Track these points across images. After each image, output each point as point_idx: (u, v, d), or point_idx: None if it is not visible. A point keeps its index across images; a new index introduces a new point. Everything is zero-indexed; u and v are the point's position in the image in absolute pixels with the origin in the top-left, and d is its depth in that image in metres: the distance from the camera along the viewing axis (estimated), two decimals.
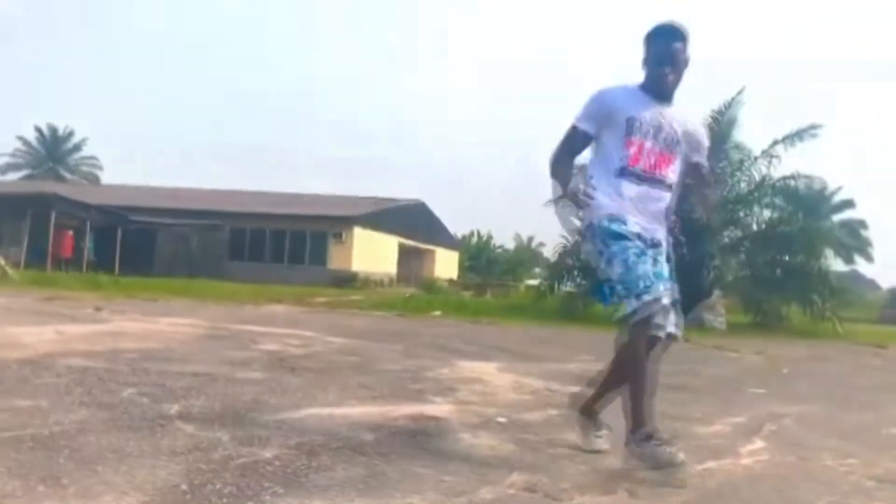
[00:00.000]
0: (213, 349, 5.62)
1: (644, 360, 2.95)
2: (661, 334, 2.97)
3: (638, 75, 3.07)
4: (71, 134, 54.56)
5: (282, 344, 6.21)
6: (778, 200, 18.87)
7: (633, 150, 2.96)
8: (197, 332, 6.92)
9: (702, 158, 3.22)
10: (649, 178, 3.00)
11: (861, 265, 51.37)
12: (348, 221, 31.27)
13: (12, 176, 50.55)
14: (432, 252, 40.97)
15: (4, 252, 20.81)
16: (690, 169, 3.21)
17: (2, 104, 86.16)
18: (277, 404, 3.60)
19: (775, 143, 14.11)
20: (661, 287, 2.95)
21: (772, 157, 14.10)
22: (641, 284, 2.88)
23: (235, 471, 2.41)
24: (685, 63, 3.00)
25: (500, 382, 4.96)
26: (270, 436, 2.91)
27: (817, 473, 3.02)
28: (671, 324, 3.02)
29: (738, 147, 14.59)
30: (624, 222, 2.96)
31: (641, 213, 3.03)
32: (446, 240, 43.34)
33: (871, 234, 49.25)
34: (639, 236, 2.99)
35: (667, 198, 3.12)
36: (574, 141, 3.08)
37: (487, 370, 5.52)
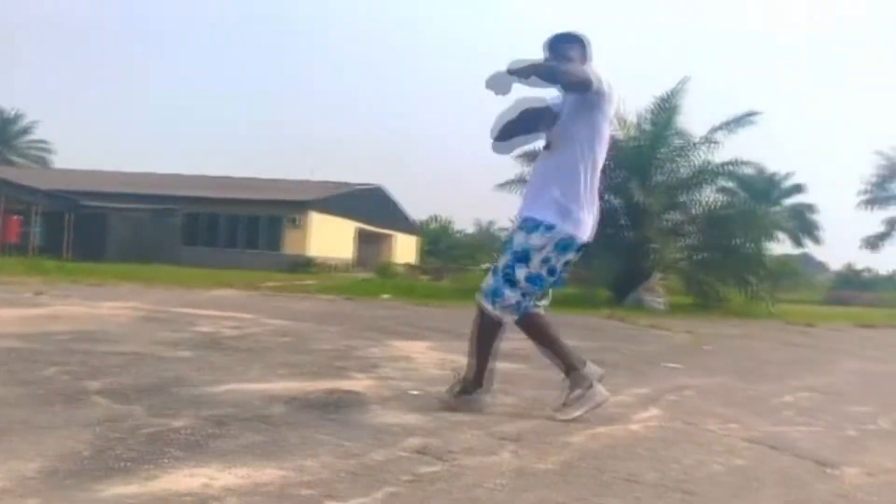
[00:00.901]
0: (148, 331, 5.72)
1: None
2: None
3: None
4: (19, 116, 53.21)
5: (218, 326, 6.33)
6: (729, 184, 19.44)
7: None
8: (136, 314, 6.99)
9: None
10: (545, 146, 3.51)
11: (812, 248, 52.91)
12: (304, 206, 31.22)
13: None
14: (390, 237, 41.08)
15: None
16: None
17: None
18: (199, 381, 3.74)
19: (714, 129, 14.55)
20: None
21: (711, 143, 14.53)
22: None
23: (141, 438, 2.57)
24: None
25: (425, 360, 5.16)
26: (184, 408, 3.07)
27: (696, 436, 3.28)
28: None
29: (679, 134, 14.99)
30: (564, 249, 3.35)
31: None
32: (405, 225, 43.46)
33: (820, 218, 50.74)
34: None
35: (545, 160, 3.50)
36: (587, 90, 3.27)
37: (417, 349, 5.71)
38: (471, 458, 2.65)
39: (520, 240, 3.29)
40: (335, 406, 3.36)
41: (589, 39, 3.44)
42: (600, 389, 3.40)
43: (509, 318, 3.35)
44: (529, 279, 3.31)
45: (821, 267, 57.79)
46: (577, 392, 3.35)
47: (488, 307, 3.34)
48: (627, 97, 15.42)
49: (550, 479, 2.46)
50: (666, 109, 14.68)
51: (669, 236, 14.69)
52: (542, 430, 3.17)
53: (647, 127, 14.87)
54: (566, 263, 3.42)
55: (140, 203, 29.43)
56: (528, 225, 3.29)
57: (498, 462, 2.63)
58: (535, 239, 3.27)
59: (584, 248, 3.45)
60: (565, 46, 3.36)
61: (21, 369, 3.71)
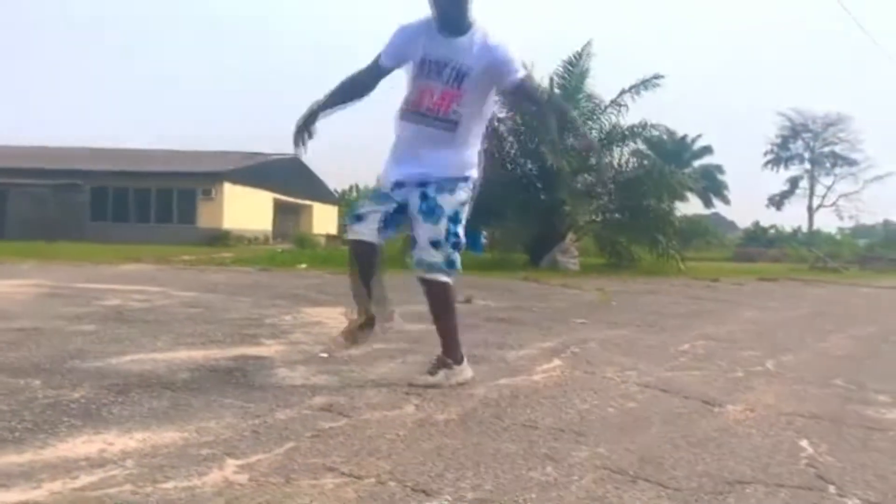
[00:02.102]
0: (50, 306, 5.54)
1: (352, 268, 3.48)
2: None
3: None
4: None
5: (125, 299, 6.17)
6: (640, 146, 19.97)
7: (417, 91, 3.16)
8: (38, 291, 6.75)
9: (513, 77, 3.18)
10: (429, 117, 3.15)
11: (722, 208, 55.11)
12: (217, 177, 30.46)
13: None
14: (309, 207, 40.54)
15: None
16: (513, 93, 3.42)
17: None
18: (101, 352, 3.67)
19: (622, 92, 14.94)
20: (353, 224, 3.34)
21: (620, 105, 14.91)
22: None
23: (37, 409, 2.52)
24: None
25: (338, 324, 5.16)
26: (85, 379, 3.02)
27: (594, 384, 3.44)
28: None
29: (589, 97, 15.31)
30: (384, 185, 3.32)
31: (412, 151, 3.23)
32: (324, 195, 42.94)
33: (728, 178, 52.84)
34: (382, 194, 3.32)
35: (452, 137, 3.18)
36: (371, 70, 3.28)
37: (331, 314, 5.71)
38: (374, 412, 2.72)
39: (448, 202, 3.18)
40: (242, 371, 3.36)
41: None
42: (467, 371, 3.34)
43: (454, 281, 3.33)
44: (462, 234, 3.30)
45: (731, 226, 60.30)
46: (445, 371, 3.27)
47: (448, 280, 3.27)
48: (538, 62, 15.61)
49: (450, 428, 2.56)
50: (574, 74, 14.96)
51: (582, 198, 15.07)
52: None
53: (557, 91, 15.11)
54: None
55: (42, 179, 28.11)
56: (443, 182, 3.19)
57: (401, 415, 2.71)
58: (462, 194, 3.23)
59: None
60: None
61: None
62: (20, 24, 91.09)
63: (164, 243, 23.61)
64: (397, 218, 3.28)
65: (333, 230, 40.84)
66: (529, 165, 15.53)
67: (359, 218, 3.29)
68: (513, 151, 15.96)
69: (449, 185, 3.19)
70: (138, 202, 30.65)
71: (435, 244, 3.20)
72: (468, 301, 6.93)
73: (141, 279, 8.82)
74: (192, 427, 2.41)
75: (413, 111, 3.18)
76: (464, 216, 3.27)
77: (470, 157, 3.28)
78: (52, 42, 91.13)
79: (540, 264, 14.11)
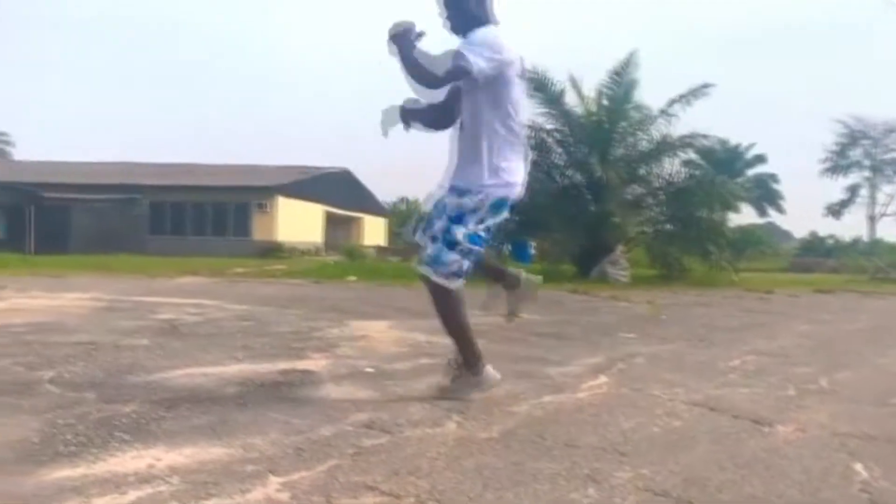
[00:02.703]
0: (107, 320, 5.72)
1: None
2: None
3: None
4: None
5: (179, 312, 6.34)
6: (691, 156, 19.71)
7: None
8: (96, 304, 6.97)
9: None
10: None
11: (777, 217, 53.85)
12: (271, 191, 31.02)
13: None
14: (360, 220, 40.99)
15: None
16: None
17: None
18: (154, 367, 3.78)
19: (671, 102, 14.76)
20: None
21: (669, 115, 14.73)
22: None
23: (90, 424, 2.61)
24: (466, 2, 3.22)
25: (384, 338, 5.23)
26: (137, 394, 3.11)
27: (639, 402, 3.39)
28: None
29: (638, 107, 15.16)
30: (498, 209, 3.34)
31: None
32: (374, 207, 43.35)
33: (784, 187, 51.61)
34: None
35: (462, 136, 3.32)
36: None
37: (378, 328, 5.78)
38: (415, 430, 2.73)
39: (452, 203, 3.22)
40: (288, 386, 3.42)
41: None
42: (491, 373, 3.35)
43: (454, 285, 3.25)
44: (469, 238, 3.22)
45: (786, 236, 58.84)
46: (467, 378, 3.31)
47: (432, 276, 3.23)
48: (585, 73, 15.56)
49: (491, 447, 2.55)
50: (622, 84, 14.85)
51: (631, 209, 14.91)
52: (488, 401, 3.26)
53: (605, 102, 15.02)
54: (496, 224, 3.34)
55: (104, 193, 29.03)
56: (459, 188, 3.23)
57: (442, 433, 2.72)
58: (468, 201, 3.20)
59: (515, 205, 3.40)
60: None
61: None
62: (84, 49, 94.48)
63: (219, 256, 24.11)
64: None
65: (383, 242, 41.16)
66: (578, 176, 15.43)
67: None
68: (561, 162, 15.87)
69: (458, 190, 3.24)
70: (195, 216, 31.38)
71: (433, 239, 3.25)
72: (516, 315, 6.90)
73: (196, 292, 9.03)
74: (238, 443, 2.46)
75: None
76: (469, 221, 3.20)
77: (483, 170, 3.22)
78: (112, 63, 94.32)
79: (589, 276, 13.98)
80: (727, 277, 14.44)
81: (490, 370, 3.34)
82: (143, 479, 2.07)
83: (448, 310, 3.29)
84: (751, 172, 53.41)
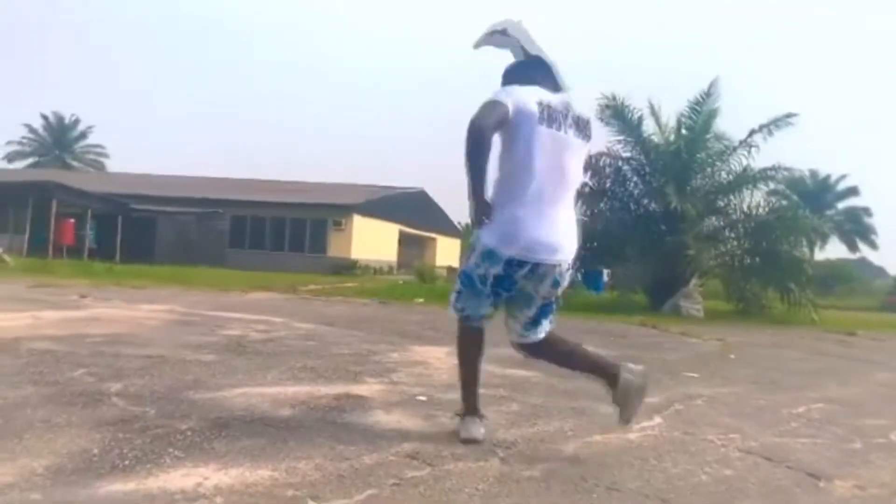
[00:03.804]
0: (178, 334, 5.95)
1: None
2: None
3: None
4: (77, 122, 55.09)
5: (247, 329, 6.53)
6: (777, 187, 19.17)
7: None
8: (170, 317, 7.25)
9: None
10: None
11: (870, 253, 51.49)
12: (348, 209, 31.60)
13: (19, 164, 51.22)
14: (433, 240, 41.31)
15: (8, 240, 21.26)
16: None
17: (9, 91, 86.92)
18: (215, 384, 3.91)
19: (752, 132, 14.41)
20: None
21: (750, 146, 14.37)
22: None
23: (147, 439, 2.73)
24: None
25: (441, 365, 5.26)
26: (194, 411, 3.24)
27: (691, 446, 3.32)
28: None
29: (718, 137, 14.87)
30: (488, 260, 3.13)
31: None
32: (448, 228, 43.62)
33: (877, 221, 49.33)
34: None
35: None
36: None
37: (436, 354, 5.82)
38: (458, 463, 2.75)
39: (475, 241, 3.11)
40: (339, 410, 3.49)
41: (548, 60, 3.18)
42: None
43: (464, 322, 3.23)
44: (462, 275, 3.15)
45: (879, 272, 56.16)
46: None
47: (451, 314, 3.25)
48: (664, 101, 15.35)
49: (531, 486, 2.55)
50: (702, 113, 14.59)
51: (707, 242, 14.56)
52: (537, 437, 3.26)
53: (684, 131, 14.77)
54: (505, 279, 3.06)
55: (188, 207, 30.18)
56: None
57: (484, 468, 2.73)
58: (474, 237, 3.11)
59: (533, 267, 3.04)
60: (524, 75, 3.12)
61: (51, 371, 3.93)
62: (169, 65, 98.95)
63: (295, 271, 24.70)
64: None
65: (455, 263, 41.33)
66: (654, 206, 15.19)
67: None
68: (636, 192, 15.68)
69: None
70: (274, 231, 32.24)
71: None
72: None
73: (266, 309, 9.28)
74: (284, 466, 2.53)
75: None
76: (469, 258, 3.10)
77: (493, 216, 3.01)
78: (200, 83, 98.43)
79: (661, 309, 13.70)
80: (807, 316, 13.89)
81: (473, 425, 3.15)
82: (190, 497, 2.16)
83: (460, 351, 3.33)
84: (841, 205, 51.45)
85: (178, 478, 2.34)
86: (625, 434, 3.47)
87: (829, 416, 4.41)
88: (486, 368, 5.20)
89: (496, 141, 2.94)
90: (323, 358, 5.17)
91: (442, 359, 5.63)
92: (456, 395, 4.09)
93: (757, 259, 14.97)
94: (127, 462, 2.45)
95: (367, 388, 4.13)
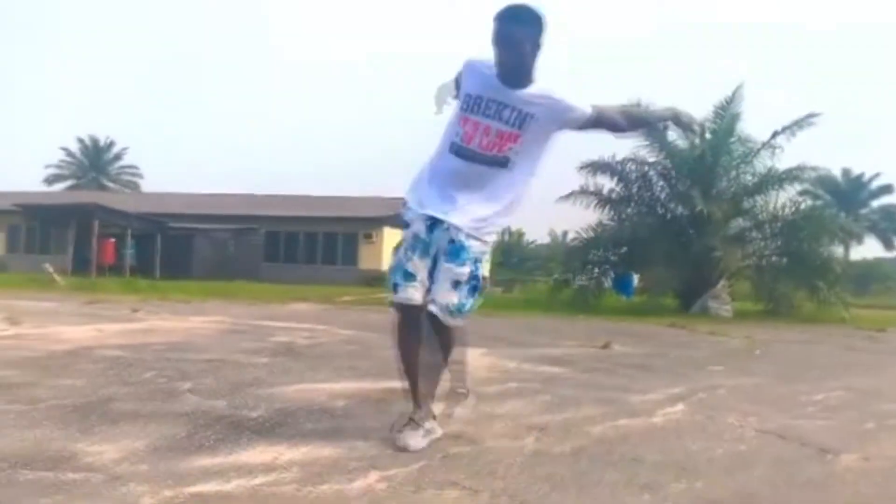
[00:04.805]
0: (230, 341, 6.37)
1: (403, 339, 3.19)
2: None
3: None
4: (112, 144, 56.50)
5: (293, 336, 6.94)
6: (808, 188, 19.22)
7: (471, 127, 3.01)
8: (220, 327, 7.70)
9: (584, 112, 3.08)
10: (481, 156, 3.02)
11: None
12: (378, 222, 32.08)
13: (58, 186, 52.63)
14: None
15: (52, 260, 22.05)
16: (594, 125, 3.14)
17: (47, 116, 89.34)
18: (273, 382, 4.31)
19: (775, 134, 14.60)
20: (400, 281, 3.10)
21: (773, 148, 14.56)
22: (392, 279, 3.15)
23: (224, 425, 3.12)
24: (527, 46, 2.95)
25: (478, 364, 5.59)
26: (260, 403, 3.62)
27: (710, 427, 3.62)
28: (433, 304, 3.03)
29: (742, 140, 15.06)
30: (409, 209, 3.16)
31: (454, 187, 3.06)
32: None
33: None
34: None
35: (502, 175, 3.06)
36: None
37: (472, 355, 6.11)
38: (497, 441, 3.10)
39: (476, 246, 3.07)
40: (387, 402, 3.84)
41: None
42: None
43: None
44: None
45: None
46: (430, 424, 3.09)
47: (459, 323, 3.15)
48: (688, 104, 15.54)
49: (562, 459, 2.89)
50: (725, 117, 14.81)
51: (734, 243, 14.75)
52: (567, 422, 3.59)
53: (708, 136, 14.99)
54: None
55: (223, 224, 30.91)
56: (481, 233, 3.08)
57: (520, 446, 3.07)
58: (490, 240, 3.14)
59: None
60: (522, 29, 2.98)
61: (126, 374, 4.35)
62: (209, 95, 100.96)
63: (328, 283, 25.21)
64: (435, 268, 3.05)
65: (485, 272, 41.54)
66: (680, 209, 15.42)
67: (409, 276, 3.05)
68: (663, 195, 15.92)
69: (480, 233, 3.06)
70: (307, 245, 32.89)
71: (455, 285, 3.00)
72: (606, 346, 7.15)
73: (308, 318, 9.70)
74: (345, 445, 2.90)
75: (466, 146, 3.03)
76: (486, 260, 3.16)
77: (509, 210, 3.14)
78: (227, 102, 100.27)
79: (690, 310, 13.90)
80: (838, 314, 14.00)
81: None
82: (269, 468, 2.54)
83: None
84: (876, 204, 50.87)
85: (257, 454, 2.71)
86: (649, 418, 3.79)
87: (846, 402, 4.67)
88: (522, 366, 5.59)
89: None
90: (367, 359, 5.54)
91: (478, 359, 5.96)
92: (492, 389, 4.47)
93: (785, 259, 15.12)
94: (211, 443, 2.84)
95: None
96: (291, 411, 3.47)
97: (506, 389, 4.48)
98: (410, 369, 3.18)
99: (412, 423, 3.01)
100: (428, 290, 3.03)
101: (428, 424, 3.06)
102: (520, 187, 3.12)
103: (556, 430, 3.39)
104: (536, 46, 2.98)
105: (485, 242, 3.10)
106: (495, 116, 2.99)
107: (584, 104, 3.11)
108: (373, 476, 2.49)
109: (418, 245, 3.08)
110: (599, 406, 4.04)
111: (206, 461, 2.59)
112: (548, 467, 2.73)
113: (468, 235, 3.02)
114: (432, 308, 3.01)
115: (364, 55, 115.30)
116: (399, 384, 4.41)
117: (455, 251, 3.01)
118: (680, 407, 4.13)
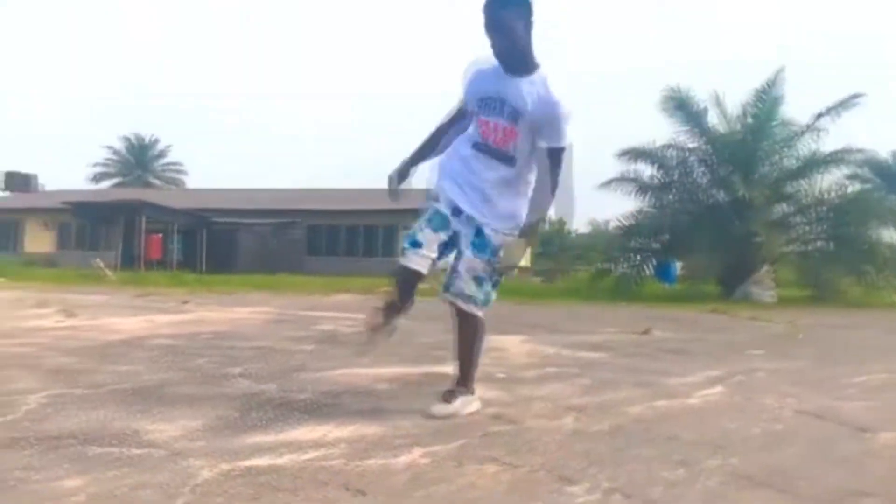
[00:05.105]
0: (277, 330, 6.57)
1: (398, 293, 3.30)
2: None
3: None
4: (156, 141, 57.65)
5: (337, 324, 7.12)
6: (855, 171, 18.82)
7: (484, 124, 3.17)
8: (266, 317, 7.91)
9: (558, 143, 3.11)
10: (495, 151, 3.16)
11: None
12: (418, 214, 32.29)
13: (105, 183, 53.92)
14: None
15: (100, 256, 22.70)
16: (547, 156, 3.13)
17: (93, 115, 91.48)
18: (319, 367, 4.47)
19: (818, 116, 14.33)
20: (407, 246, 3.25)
21: (817, 130, 14.31)
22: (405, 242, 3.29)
23: (274, 406, 3.27)
24: (517, 30, 3.01)
25: (517, 350, 5.70)
26: (307, 386, 3.78)
27: (748, 408, 3.66)
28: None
29: (784, 124, 14.83)
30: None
31: (477, 188, 3.20)
32: None
33: None
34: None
35: (513, 171, 3.18)
36: (455, 117, 3.36)
37: (512, 342, 6.25)
38: (536, 421, 3.20)
39: (500, 241, 3.20)
40: (429, 385, 3.97)
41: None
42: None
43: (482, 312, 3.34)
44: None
45: None
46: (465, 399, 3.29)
47: (482, 314, 3.33)
48: (728, 90, 15.41)
49: (600, 436, 2.97)
50: (766, 101, 14.60)
51: (777, 228, 14.56)
52: (606, 403, 3.66)
53: (749, 120, 14.80)
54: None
55: (266, 218, 31.43)
56: (504, 229, 3.21)
57: (559, 425, 3.16)
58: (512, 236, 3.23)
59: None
60: (509, 11, 3.06)
61: (179, 360, 4.55)
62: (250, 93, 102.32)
63: (369, 275, 25.45)
64: (448, 247, 3.24)
65: (526, 262, 41.55)
66: (721, 195, 15.26)
67: (417, 244, 3.20)
68: (704, 181, 15.77)
69: (503, 229, 3.20)
70: (348, 238, 33.26)
71: (478, 280, 3.20)
72: (646, 332, 7.18)
73: (350, 307, 9.88)
74: (390, 424, 3.02)
75: (483, 143, 3.18)
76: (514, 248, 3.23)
77: (523, 207, 3.23)
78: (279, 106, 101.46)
79: (733, 296, 13.78)
80: (887, 298, 13.75)
81: (477, 398, 3.37)
82: (318, 444, 2.67)
83: (481, 340, 3.48)
84: None
85: (306, 432, 2.85)
86: (687, 399, 3.85)
87: (888, 383, 4.65)
88: (561, 352, 5.66)
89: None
90: (408, 346, 5.65)
91: (517, 345, 6.07)
92: (531, 373, 4.56)
93: (831, 244, 14.87)
94: (263, 422, 2.99)
95: (450, 369, 4.57)
96: (337, 393, 3.61)
97: (545, 374, 4.57)
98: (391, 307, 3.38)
99: (446, 394, 3.25)
100: (433, 263, 3.22)
101: (460, 399, 3.25)
102: (526, 195, 3.22)
103: (594, 410, 3.47)
104: (528, 25, 3.06)
105: (507, 237, 3.21)
106: (499, 113, 3.12)
107: (567, 130, 3.12)
108: (416, 452, 2.61)
109: (436, 218, 3.24)
110: (638, 388, 4.10)
111: (258, 438, 2.73)
112: (585, 444, 2.82)
113: (495, 230, 3.17)
114: (448, 296, 3.26)
115: (406, 46, 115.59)
116: (439, 368, 4.57)
117: (482, 245, 3.18)
118: (718, 389, 4.18)
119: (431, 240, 3.20)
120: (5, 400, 3.25)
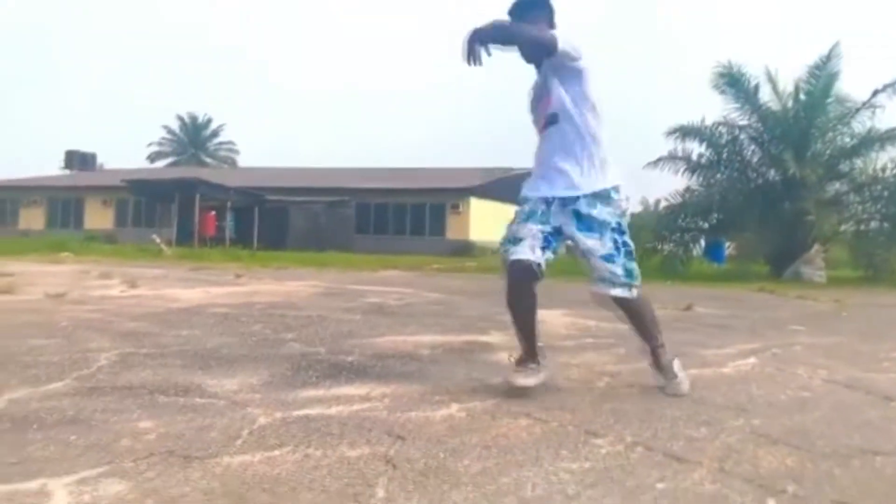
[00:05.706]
0: (327, 302, 6.85)
1: (511, 299, 3.32)
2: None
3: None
4: (210, 121, 58.86)
5: (384, 297, 7.37)
6: None
7: (534, 108, 3.34)
8: (316, 290, 8.22)
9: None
10: (544, 118, 3.21)
11: None
12: (465, 193, 32.48)
13: (160, 163, 55.39)
14: None
15: (157, 232, 23.48)
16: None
17: (151, 96, 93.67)
18: (367, 334, 4.70)
19: (875, 92, 13.99)
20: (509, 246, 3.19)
21: (875, 107, 13.98)
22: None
23: (324, 366, 3.52)
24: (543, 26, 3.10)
25: (557, 322, 5.86)
26: (355, 350, 4.02)
27: (778, 377, 3.77)
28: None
29: (840, 101, 14.52)
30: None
31: (550, 167, 3.21)
32: None
33: None
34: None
35: (554, 135, 3.18)
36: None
37: (552, 315, 6.40)
38: (569, 383, 3.37)
39: (607, 213, 3.13)
40: (470, 351, 4.18)
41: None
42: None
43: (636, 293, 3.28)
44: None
45: None
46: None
47: (633, 294, 3.25)
48: (781, 66, 15.13)
49: (629, 396, 3.14)
50: (821, 77, 14.30)
51: (829, 207, 14.30)
52: (638, 370, 3.78)
53: (803, 97, 14.52)
54: None
55: (316, 196, 31.95)
56: (601, 197, 3.14)
57: (591, 387, 3.33)
58: (617, 204, 3.20)
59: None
60: (532, 14, 3.13)
61: (236, 326, 4.84)
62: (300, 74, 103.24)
63: (416, 253, 25.81)
64: (555, 238, 3.16)
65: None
66: (772, 174, 15.05)
67: (517, 241, 3.13)
68: (755, 160, 15.55)
69: (599, 198, 3.13)
70: (396, 216, 33.64)
71: (607, 258, 3.13)
72: (688, 308, 7.26)
73: (397, 282, 10.16)
74: (431, 384, 3.23)
75: (536, 122, 3.31)
76: (625, 225, 3.22)
77: (598, 166, 3.16)
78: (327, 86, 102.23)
79: (782, 276, 13.64)
80: None
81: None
82: (364, 398, 2.90)
83: (649, 317, 3.40)
84: None
85: (353, 388, 3.08)
86: (719, 369, 3.97)
87: None
88: (601, 325, 5.80)
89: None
90: (452, 318, 5.88)
91: (558, 318, 6.22)
92: (569, 343, 4.72)
93: (886, 224, 14.56)
94: (314, 380, 3.23)
95: (492, 338, 4.80)
96: (383, 357, 3.84)
97: (582, 344, 4.72)
98: (520, 327, 3.33)
99: (522, 366, 3.18)
100: (542, 251, 3.11)
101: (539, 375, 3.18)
102: (591, 139, 3.15)
103: (627, 375, 3.63)
104: (551, 26, 3.16)
105: (608, 202, 3.15)
106: (537, 98, 3.30)
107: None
108: (454, 407, 2.82)
109: (532, 214, 3.15)
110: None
111: (310, 393, 2.97)
112: (615, 403, 2.99)
113: (590, 205, 3.10)
114: (594, 288, 3.27)
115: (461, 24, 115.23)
116: (482, 338, 4.76)
117: (588, 227, 3.12)
118: (752, 360, 4.28)
119: (531, 233, 3.10)
120: (81, 357, 3.57)
